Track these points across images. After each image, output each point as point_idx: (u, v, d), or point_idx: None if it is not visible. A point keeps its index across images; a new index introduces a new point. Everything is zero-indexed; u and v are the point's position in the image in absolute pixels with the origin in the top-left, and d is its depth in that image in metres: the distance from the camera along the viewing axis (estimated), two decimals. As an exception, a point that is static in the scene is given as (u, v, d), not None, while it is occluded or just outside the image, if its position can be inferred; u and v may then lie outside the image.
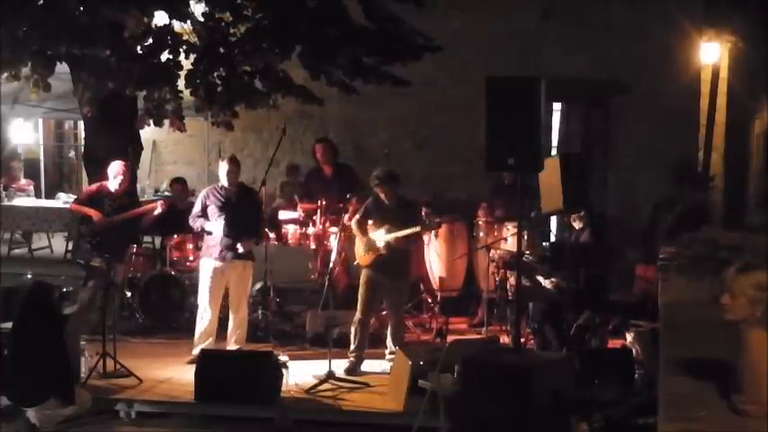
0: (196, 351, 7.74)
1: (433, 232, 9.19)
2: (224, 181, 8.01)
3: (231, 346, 8.01)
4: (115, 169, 8.42)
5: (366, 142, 11.42)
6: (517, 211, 6.34)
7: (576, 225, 8.66)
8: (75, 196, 10.39)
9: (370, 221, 7.80)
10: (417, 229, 7.70)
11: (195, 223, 8.12)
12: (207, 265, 7.99)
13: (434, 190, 10.93)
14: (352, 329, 7.80)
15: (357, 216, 7.95)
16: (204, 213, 8.02)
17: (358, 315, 7.80)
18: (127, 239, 8.83)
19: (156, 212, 8.56)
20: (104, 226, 8.28)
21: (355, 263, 8.15)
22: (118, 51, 8.29)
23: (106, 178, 8.47)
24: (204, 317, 7.93)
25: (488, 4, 11.05)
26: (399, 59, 9.09)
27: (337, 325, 7.92)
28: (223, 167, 8.02)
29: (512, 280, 8.27)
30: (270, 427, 6.72)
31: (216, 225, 7.90)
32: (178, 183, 10.08)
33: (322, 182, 9.75)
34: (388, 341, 7.90)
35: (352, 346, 7.78)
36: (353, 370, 7.67)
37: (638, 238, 8.91)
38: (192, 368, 7.12)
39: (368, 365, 7.82)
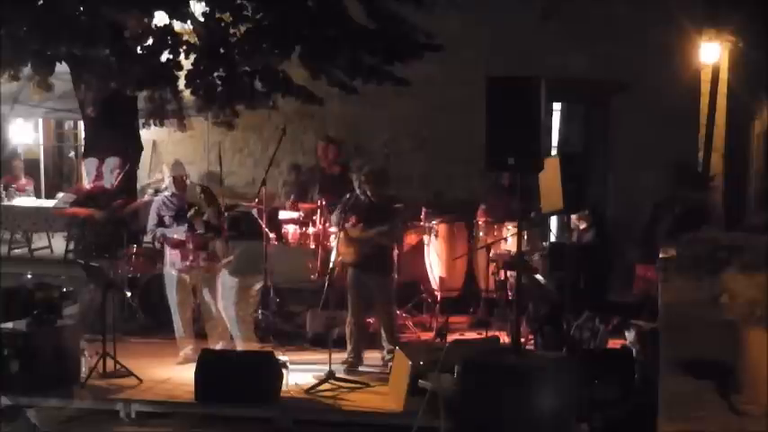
0: (182, 353, 7.92)
1: (433, 233, 9.21)
2: (171, 188, 8.02)
3: (218, 345, 7.97)
4: (102, 167, 8.70)
5: (366, 142, 11.40)
6: (517, 212, 6.33)
7: (581, 225, 8.65)
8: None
9: (351, 218, 7.76)
10: (384, 228, 7.67)
11: (155, 235, 8.08)
12: (169, 277, 8.03)
13: (434, 190, 10.91)
14: (347, 331, 7.83)
15: (336, 210, 7.92)
16: (161, 224, 8.01)
17: (350, 316, 7.82)
18: (121, 238, 8.88)
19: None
20: (98, 224, 8.38)
21: (339, 258, 8.11)
22: (118, 51, 8.30)
23: (100, 178, 8.67)
24: (178, 326, 8.03)
25: (488, 4, 11.04)
26: (400, 59, 9.09)
27: (337, 325, 7.94)
28: (167, 175, 7.99)
29: (512, 280, 8.27)
30: (270, 427, 6.72)
31: (179, 231, 7.88)
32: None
33: (327, 182, 9.76)
34: (384, 341, 7.89)
35: (348, 347, 7.80)
36: (352, 371, 7.67)
37: (638, 238, 8.89)
38: (192, 368, 7.12)
39: (367, 366, 7.82)
